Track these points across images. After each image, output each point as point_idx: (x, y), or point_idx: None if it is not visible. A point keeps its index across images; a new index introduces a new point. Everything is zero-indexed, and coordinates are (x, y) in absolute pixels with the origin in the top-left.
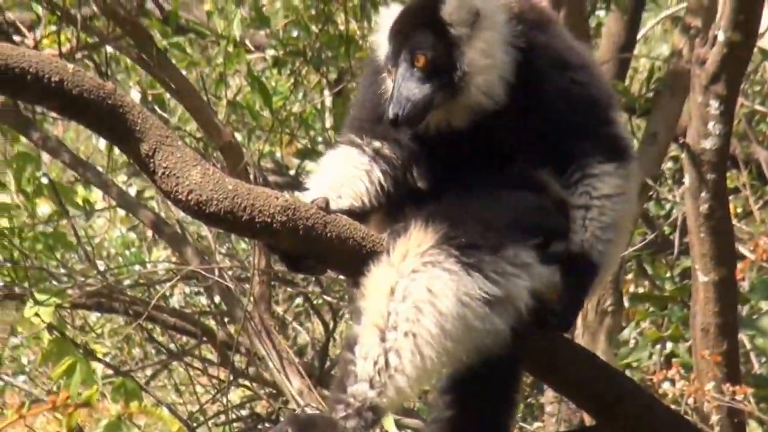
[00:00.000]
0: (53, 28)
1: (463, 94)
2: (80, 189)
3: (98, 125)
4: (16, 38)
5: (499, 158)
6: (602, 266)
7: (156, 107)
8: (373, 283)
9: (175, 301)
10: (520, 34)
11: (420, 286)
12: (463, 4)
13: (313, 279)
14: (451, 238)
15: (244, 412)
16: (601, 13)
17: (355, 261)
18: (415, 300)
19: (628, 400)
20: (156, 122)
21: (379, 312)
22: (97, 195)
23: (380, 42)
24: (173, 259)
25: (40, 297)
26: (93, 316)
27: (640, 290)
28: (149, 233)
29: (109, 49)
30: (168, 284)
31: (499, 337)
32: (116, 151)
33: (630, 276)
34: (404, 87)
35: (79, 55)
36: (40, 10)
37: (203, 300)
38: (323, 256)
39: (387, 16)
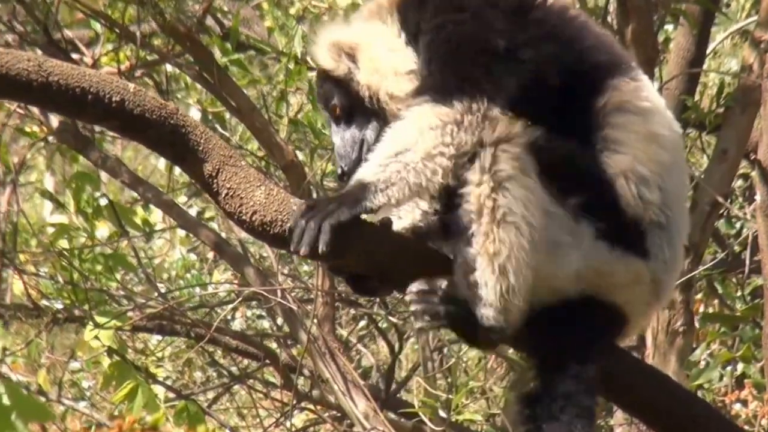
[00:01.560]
0: (111, 46)
1: (385, 112)
2: (139, 210)
3: (160, 145)
4: (75, 56)
5: None
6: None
7: (217, 125)
8: (473, 199)
9: (237, 324)
10: (417, 20)
11: (514, 199)
12: (330, 47)
13: (377, 300)
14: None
15: None
16: (669, 27)
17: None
18: (512, 217)
19: (702, 422)
20: (219, 142)
21: (485, 234)
22: (156, 216)
23: None
24: (234, 282)
25: (100, 320)
26: (153, 339)
27: (710, 310)
28: (210, 255)
29: (168, 66)
30: (230, 306)
31: (571, 278)
32: (176, 171)
33: (699, 296)
34: (337, 141)
35: (138, 73)
36: (98, 27)
37: (265, 323)
38: (388, 274)
39: None
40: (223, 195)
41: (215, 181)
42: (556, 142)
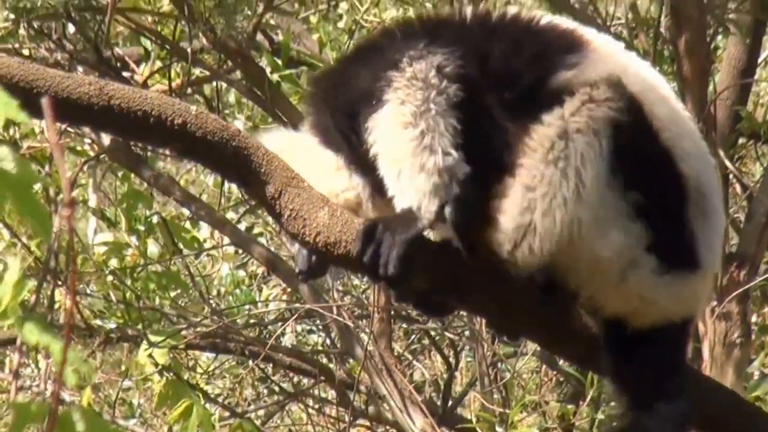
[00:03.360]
0: (160, 63)
1: None
2: (187, 227)
3: (222, 168)
4: (125, 73)
5: None
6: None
7: None
8: (536, 136)
9: (287, 340)
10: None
11: (574, 151)
12: None
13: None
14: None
15: None
16: (719, 36)
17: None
18: (564, 163)
19: None
20: (281, 163)
21: (530, 171)
22: (203, 233)
23: None
24: (284, 298)
25: (154, 338)
26: (204, 357)
27: (759, 320)
28: (259, 271)
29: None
30: (286, 324)
31: (614, 249)
32: (225, 187)
33: (754, 307)
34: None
35: (189, 90)
36: (148, 44)
37: (315, 338)
38: (454, 288)
39: None
40: (285, 216)
41: (278, 202)
42: (641, 125)
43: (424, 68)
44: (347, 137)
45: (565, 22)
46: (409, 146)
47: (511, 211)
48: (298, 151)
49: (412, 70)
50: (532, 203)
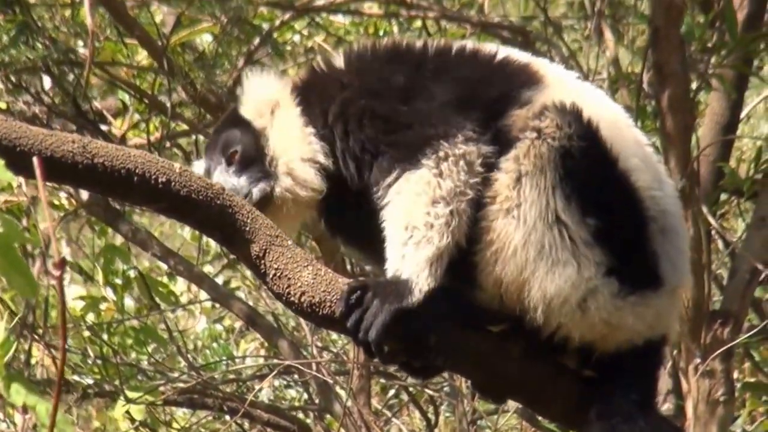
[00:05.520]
0: (138, 116)
1: (277, 181)
2: (164, 281)
3: (207, 226)
4: (103, 126)
5: None
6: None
7: None
8: (495, 186)
9: (265, 395)
10: (322, 110)
11: (523, 196)
12: (258, 98)
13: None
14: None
15: None
16: (702, 92)
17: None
18: (516, 212)
19: None
20: (265, 221)
21: (489, 220)
22: (180, 286)
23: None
24: (262, 352)
25: (131, 394)
26: (180, 412)
27: (743, 377)
28: (236, 325)
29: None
30: (265, 380)
31: (568, 285)
32: (203, 241)
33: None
34: (225, 183)
35: (167, 144)
36: (126, 97)
37: (293, 392)
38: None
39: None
40: (270, 276)
41: (262, 261)
42: (595, 147)
43: (474, 152)
44: (343, 140)
45: (517, 54)
46: (432, 221)
47: (480, 267)
48: (294, 119)
49: (463, 149)
50: (492, 256)
